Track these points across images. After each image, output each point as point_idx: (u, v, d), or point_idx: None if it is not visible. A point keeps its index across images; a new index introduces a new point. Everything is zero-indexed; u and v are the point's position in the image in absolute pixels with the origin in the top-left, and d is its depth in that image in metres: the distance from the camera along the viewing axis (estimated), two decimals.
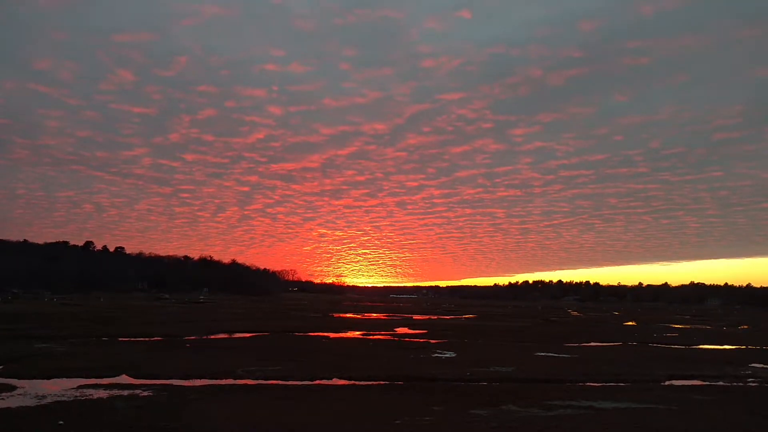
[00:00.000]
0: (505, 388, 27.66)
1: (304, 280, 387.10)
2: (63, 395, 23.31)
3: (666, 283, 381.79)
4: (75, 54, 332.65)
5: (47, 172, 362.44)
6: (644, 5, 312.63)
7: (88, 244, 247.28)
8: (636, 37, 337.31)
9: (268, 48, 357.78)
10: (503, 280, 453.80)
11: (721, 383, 31.90)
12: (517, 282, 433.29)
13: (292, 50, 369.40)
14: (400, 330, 69.18)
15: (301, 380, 28.91)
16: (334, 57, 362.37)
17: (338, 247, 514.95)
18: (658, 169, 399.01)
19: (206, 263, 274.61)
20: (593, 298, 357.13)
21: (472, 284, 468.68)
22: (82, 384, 26.00)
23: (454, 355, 41.41)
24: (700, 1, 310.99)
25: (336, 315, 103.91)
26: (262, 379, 28.67)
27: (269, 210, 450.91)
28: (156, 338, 49.03)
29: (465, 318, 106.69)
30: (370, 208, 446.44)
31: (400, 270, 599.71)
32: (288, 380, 28.73)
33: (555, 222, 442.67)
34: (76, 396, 23.19)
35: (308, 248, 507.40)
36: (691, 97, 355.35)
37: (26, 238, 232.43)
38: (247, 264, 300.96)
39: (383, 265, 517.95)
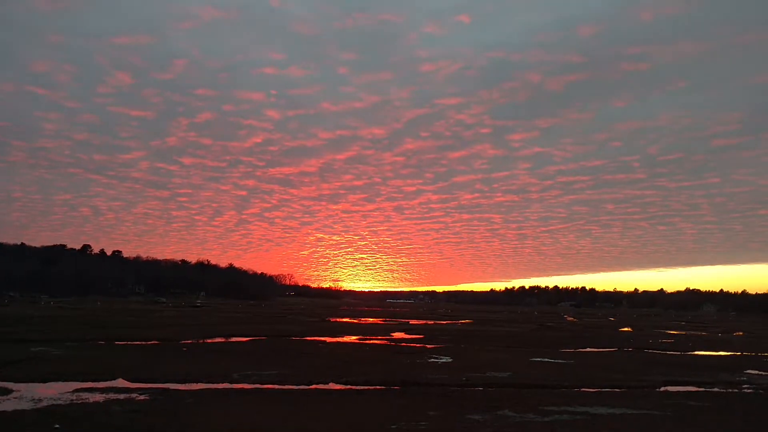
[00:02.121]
0: (501, 393, 27.71)
1: (300, 285, 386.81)
2: (59, 399, 23.29)
3: (662, 289, 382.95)
4: (73, 56, 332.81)
5: (44, 175, 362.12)
6: (644, 11, 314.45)
7: (86, 247, 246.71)
8: (635, 43, 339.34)
9: (266, 51, 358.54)
10: (500, 286, 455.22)
11: (716, 389, 32.03)
12: (514, 287, 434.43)
13: (291, 54, 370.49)
14: (397, 335, 69.19)
15: (298, 385, 28.94)
16: (332, 61, 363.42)
17: (335, 252, 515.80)
18: (656, 176, 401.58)
19: (203, 267, 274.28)
20: (589, 304, 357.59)
21: (469, 289, 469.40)
22: (79, 387, 25.99)
23: (450, 360, 41.44)
24: (700, 7, 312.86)
25: (332, 319, 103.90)
26: (258, 384, 28.69)
27: (267, 214, 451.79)
28: (152, 342, 48.92)
29: (461, 323, 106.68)
30: (367, 213, 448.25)
31: (396, 275, 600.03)
32: (284, 384, 28.77)
33: (552, 227, 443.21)
34: (72, 400, 23.16)
35: (305, 252, 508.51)
36: (689, 104, 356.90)
37: (23, 242, 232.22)
38: (244, 268, 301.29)
39: (380, 270, 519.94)
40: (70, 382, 27.35)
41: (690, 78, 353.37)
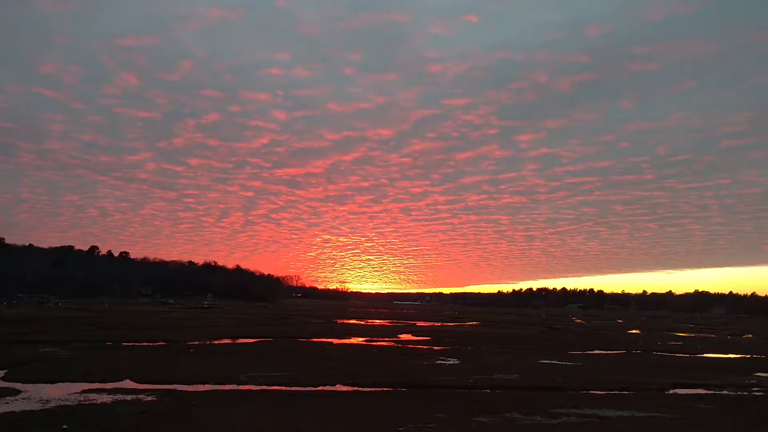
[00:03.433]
0: (509, 395, 27.61)
1: (307, 286, 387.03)
2: (67, 400, 23.37)
3: (670, 291, 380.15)
4: (79, 58, 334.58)
5: (52, 177, 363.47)
6: (652, 10, 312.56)
7: (93, 248, 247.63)
8: (643, 43, 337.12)
9: (272, 52, 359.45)
10: (507, 288, 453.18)
11: (725, 392, 31.79)
12: (521, 289, 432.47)
13: (297, 54, 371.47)
14: (404, 337, 69.10)
15: (305, 386, 28.91)
16: (339, 61, 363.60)
17: (342, 253, 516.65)
18: (665, 177, 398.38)
19: (210, 268, 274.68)
20: (597, 306, 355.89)
21: (476, 291, 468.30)
22: (86, 388, 26.08)
23: (457, 362, 41.33)
24: (708, 7, 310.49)
25: (340, 321, 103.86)
26: (265, 385, 28.69)
27: (273, 215, 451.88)
28: (160, 343, 49.05)
29: (468, 325, 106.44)
30: (374, 215, 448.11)
31: (403, 276, 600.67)
32: (291, 386, 28.74)
33: (560, 229, 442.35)
34: (80, 400, 23.23)
35: (312, 254, 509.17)
36: (698, 104, 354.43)
37: (31, 243, 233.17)
38: (251, 269, 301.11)
39: (387, 272, 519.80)
40: (77, 383, 27.45)
41: (699, 78, 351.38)
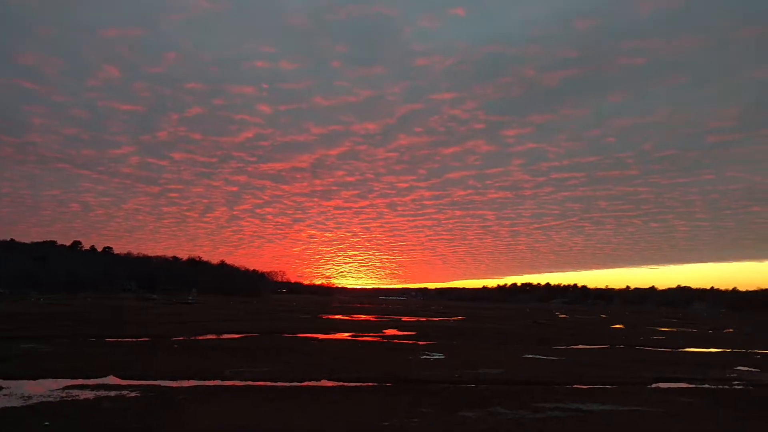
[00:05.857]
0: (494, 390, 27.76)
1: (293, 282, 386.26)
2: (49, 396, 23.12)
3: (653, 286, 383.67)
4: (61, 49, 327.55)
5: (33, 171, 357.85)
6: (641, 4, 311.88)
7: (76, 243, 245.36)
8: (632, 37, 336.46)
9: (258, 44, 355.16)
10: (492, 283, 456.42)
11: (706, 386, 32.21)
12: (506, 284, 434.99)
13: (283, 47, 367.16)
14: (389, 332, 69.16)
15: (290, 381, 28.86)
16: (325, 54, 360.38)
17: (327, 249, 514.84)
18: (650, 172, 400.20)
19: (195, 264, 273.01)
20: (581, 301, 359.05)
21: (461, 286, 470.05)
22: (69, 385, 25.81)
23: (442, 357, 41.46)
24: (698, 1, 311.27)
25: (325, 316, 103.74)
26: (250, 380, 28.59)
27: (258, 210, 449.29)
28: (144, 339, 48.71)
29: (454, 320, 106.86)
30: (360, 210, 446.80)
31: (389, 272, 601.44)
32: (276, 381, 28.68)
33: (545, 224, 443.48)
34: (63, 397, 23.01)
35: (297, 249, 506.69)
36: (686, 99, 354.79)
37: (13, 237, 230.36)
38: (235, 265, 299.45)
39: (372, 267, 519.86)
40: (60, 380, 27.17)
41: (687, 73, 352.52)
